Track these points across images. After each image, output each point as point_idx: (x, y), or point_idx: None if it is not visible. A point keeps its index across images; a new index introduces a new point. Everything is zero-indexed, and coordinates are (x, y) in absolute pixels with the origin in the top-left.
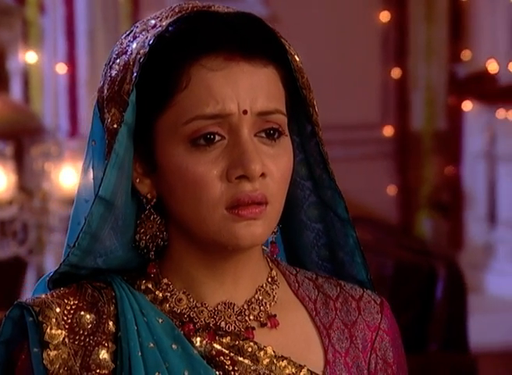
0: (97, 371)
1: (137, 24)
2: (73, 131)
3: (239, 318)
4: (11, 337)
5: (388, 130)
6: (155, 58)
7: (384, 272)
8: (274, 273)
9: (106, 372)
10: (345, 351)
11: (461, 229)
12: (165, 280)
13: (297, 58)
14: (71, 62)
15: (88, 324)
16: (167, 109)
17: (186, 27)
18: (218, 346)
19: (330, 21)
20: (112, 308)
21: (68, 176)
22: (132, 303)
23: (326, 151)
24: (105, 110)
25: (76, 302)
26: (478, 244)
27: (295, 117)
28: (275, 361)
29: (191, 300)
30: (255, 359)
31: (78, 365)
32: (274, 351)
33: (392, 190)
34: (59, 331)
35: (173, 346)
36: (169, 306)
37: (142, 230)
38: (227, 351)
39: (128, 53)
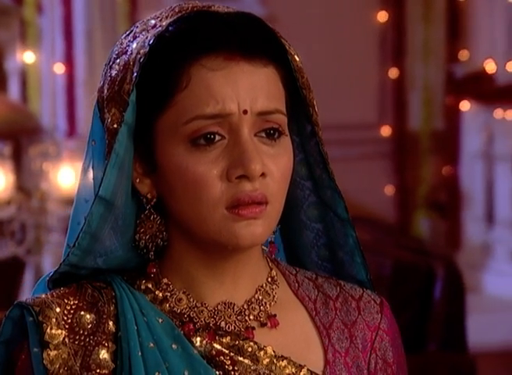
0: (98, 371)
1: (137, 24)
2: (71, 131)
3: (239, 318)
4: (11, 337)
5: (385, 130)
6: (155, 58)
7: (382, 272)
8: (274, 272)
9: (106, 372)
10: (345, 351)
11: (459, 229)
12: (165, 280)
13: (297, 58)
14: (69, 62)
15: (88, 324)
16: (167, 109)
17: (186, 27)
18: (218, 346)
19: (328, 21)
20: (112, 308)
21: (66, 176)
22: (132, 303)
23: (326, 151)
24: (105, 110)
25: (76, 302)
26: (475, 244)
27: (295, 117)
28: (275, 361)
29: (191, 300)
30: (255, 359)
31: (78, 365)
32: (274, 351)
33: (389, 190)
34: (59, 331)
35: (173, 346)
36: (169, 306)
37: (142, 230)
38: (227, 351)
39: (128, 53)
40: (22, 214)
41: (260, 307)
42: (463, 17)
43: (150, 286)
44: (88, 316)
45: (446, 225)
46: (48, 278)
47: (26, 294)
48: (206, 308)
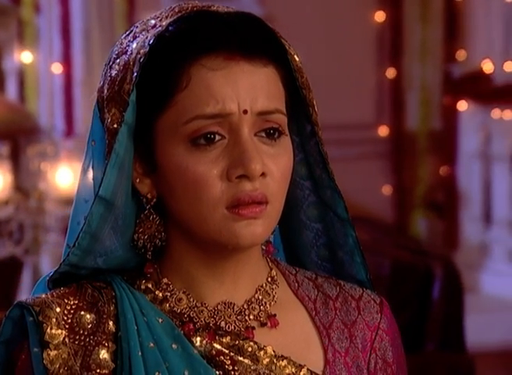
0: (98, 371)
1: (137, 24)
2: (69, 131)
3: (239, 318)
4: (11, 337)
5: (383, 130)
6: (155, 58)
7: (381, 272)
8: (274, 272)
9: (106, 371)
10: (345, 351)
11: (456, 229)
12: (165, 280)
13: (297, 58)
14: (66, 61)
15: (88, 324)
16: (167, 109)
17: (186, 27)
18: (218, 346)
19: (325, 21)
20: (112, 308)
21: (64, 176)
22: (132, 303)
23: (326, 150)
24: (105, 110)
25: (76, 302)
26: (473, 243)
27: (295, 117)
28: (275, 360)
29: (191, 300)
30: (255, 359)
31: (78, 365)
32: (274, 351)
33: (387, 190)
34: (59, 331)
35: (173, 346)
36: (169, 306)
37: (141, 230)
38: (227, 351)
39: (128, 53)
40: (20, 214)
41: (260, 307)
42: (460, 17)
43: (150, 286)
44: (88, 316)
45: (443, 225)
46: (47, 278)
47: (24, 294)
48: (206, 308)
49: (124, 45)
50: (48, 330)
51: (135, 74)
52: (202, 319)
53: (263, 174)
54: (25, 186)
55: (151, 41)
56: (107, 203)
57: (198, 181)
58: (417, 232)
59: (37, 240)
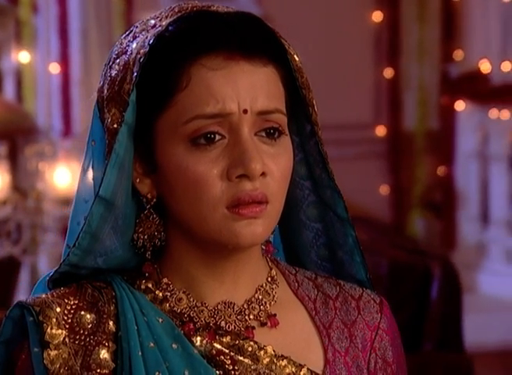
0: (98, 371)
1: (137, 24)
2: (66, 131)
3: (239, 317)
4: (11, 337)
5: (380, 130)
6: (155, 57)
7: (379, 271)
8: (274, 272)
9: (107, 371)
10: (345, 351)
11: (454, 229)
12: (165, 280)
13: (297, 58)
14: (64, 61)
15: (88, 324)
16: (167, 109)
17: (186, 27)
18: (218, 345)
19: (323, 21)
20: (112, 308)
21: (62, 176)
22: (132, 303)
23: (325, 150)
24: (105, 110)
25: (77, 302)
26: (470, 243)
27: (294, 117)
28: (275, 360)
29: (191, 299)
30: (255, 359)
31: (78, 364)
32: (274, 351)
33: (384, 189)
34: (60, 331)
35: (173, 345)
36: (169, 306)
37: (140, 230)
38: (227, 351)
39: (128, 53)
40: (18, 214)
41: (260, 307)
42: (457, 17)
43: (150, 286)
44: (88, 316)
45: (441, 225)
46: (48, 278)
47: (21, 293)
48: (206, 307)
49: (124, 45)
50: (49, 329)
51: (135, 74)
52: (202, 319)
53: (263, 174)
54: (23, 186)
55: (151, 41)
56: (107, 203)
57: (198, 181)
58: (414, 232)
59: (34, 240)
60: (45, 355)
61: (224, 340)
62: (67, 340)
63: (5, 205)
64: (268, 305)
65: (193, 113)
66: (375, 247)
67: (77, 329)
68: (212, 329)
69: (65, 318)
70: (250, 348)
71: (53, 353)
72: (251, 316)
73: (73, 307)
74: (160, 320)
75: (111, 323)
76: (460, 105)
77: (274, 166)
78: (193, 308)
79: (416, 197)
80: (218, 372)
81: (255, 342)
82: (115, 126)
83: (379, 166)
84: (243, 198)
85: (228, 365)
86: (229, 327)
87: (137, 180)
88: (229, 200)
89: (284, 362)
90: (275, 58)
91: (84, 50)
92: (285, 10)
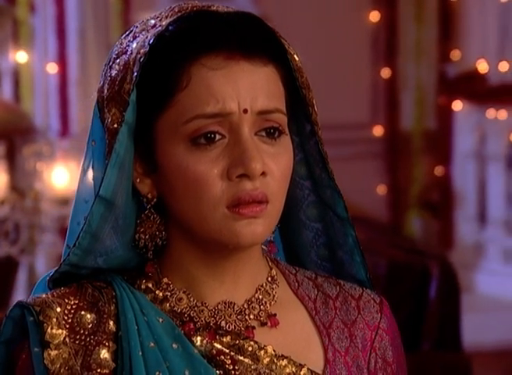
0: (98, 370)
1: (137, 24)
2: (64, 131)
3: (239, 317)
4: (11, 337)
5: (378, 130)
6: (155, 57)
7: (377, 271)
8: (274, 272)
9: (107, 371)
10: (345, 351)
11: (451, 229)
12: (166, 280)
13: (297, 58)
14: (61, 61)
15: (89, 324)
16: (167, 109)
17: (186, 27)
18: (218, 345)
19: (320, 21)
20: (112, 308)
21: (60, 176)
22: (132, 303)
23: (325, 150)
24: (105, 110)
25: (77, 302)
26: (468, 243)
27: (294, 117)
28: (275, 360)
29: (191, 299)
30: (255, 358)
31: (79, 364)
32: (274, 351)
33: (382, 189)
34: (60, 331)
35: (174, 345)
36: (170, 306)
37: (141, 230)
38: (227, 351)
39: (128, 53)
40: (16, 214)
41: (260, 306)
42: (455, 17)
43: (150, 285)
44: (89, 316)
45: (438, 225)
46: (48, 278)
47: (19, 293)
48: (206, 307)
49: (124, 45)
50: (49, 329)
51: (135, 74)
52: (202, 319)
53: (263, 173)
54: (21, 186)
55: (151, 41)
56: (107, 203)
57: (199, 181)
58: (411, 232)
59: (32, 240)
60: (45, 354)
61: (224, 340)
62: (67, 340)
63: (3, 204)
64: (268, 305)
65: (193, 113)
66: (373, 247)
67: (77, 329)
68: (212, 329)
69: (66, 318)
70: (250, 348)
71: (53, 353)
72: (251, 316)
73: (74, 307)
74: (160, 320)
75: (111, 322)
76: (457, 105)
77: (274, 165)
78: (194, 308)
79: (413, 197)
80: (218, 372)
81: (255, 342)
82: (116, 126)
83: (376, 166)
84: (244, 197)
85: (228, 365)
86: (229, 327)
87: (138, 180)
88: (229, 200)
89: (284, 362)
90: (275, 58)
91: (82, 50)
92: (282, 10)
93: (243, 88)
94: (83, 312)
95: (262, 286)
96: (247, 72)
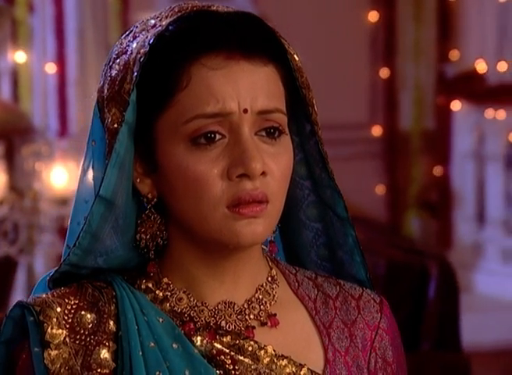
0: (98, 370)
1: (137, 24)
2: (63, 131)
3: (239, 317)
4: (12, 337)
5: (376, 130)
6: (156, 57)
7: (376, 271)
8: (274, 272)
9: (107, 371)
10: (345, 351)
11: (450, 228)
12: (166, 280)
13: (297, 58)
14: (60, 61)
15: (89, 324)
16: (167, 109)
17: (186, 26)
18: (218, 345)
19: (319, 21)
20: (112, 308)
21: (59, 176)
22: (132, 302)
23: (325, 150)
24: (105, 110)
25: (77, 302)
26: (466, 243)
27: (294, 117)
28: (275, 360)
29: (191, 299)
30: (255, 358)
31: (79, 364)
32: (274, 351)
33: (380, 189)
34: (60, 331)
35: (174, 345)
36: (170, 305)
37: (142, 230)
38: (227, 351)
39: (128, 53)
40: (14, 214)
41: (260, 306)
42: (453, 17)
43: (150, 285)
44: (89, 316)
45: (437, 225)
46: (48, 278)
47: (18, 293)
48: (206, 307)
49: (124, 45)
50: (49, 329)
51: (135, 74)
52: (202, 319)
53: (263, 173)
54: (20, 186)
55: (151, 41)
56: (107, 203)
57: (199, 180)
58: (410, 232)
59: (31, 240)
60: (46, 354)
61: (224, 339)
62: (67, 340)
63: (1, 204)
64: (268, 305)
65: (193, 113)
66: (371, 247)
67: (78, 329)
68: (213, 329)
69: (66, 318)
70: (250, 348)
71: (53, 353)
72: (251, 316)
73: (74, 307)
74: (160, 320)
75: (111, 322)
76: (456, 105)
77: (274, 165)
78: (194, 307)
79: (412, 197)
80: (218, 371)
81: (255, 342)
82: (116, 125)
83: (375, 166)
84: (244, 197)
85: (228, 364)
86: (229, 327)
87: (138, 180)
88: (229, 199)
89: (284, 362)
90: (275, 58)
91: (80, 50)
92: (281, 10)
93: (243, 88)
94: (83, 312)
95: (262, 286)
96: (247, 72)
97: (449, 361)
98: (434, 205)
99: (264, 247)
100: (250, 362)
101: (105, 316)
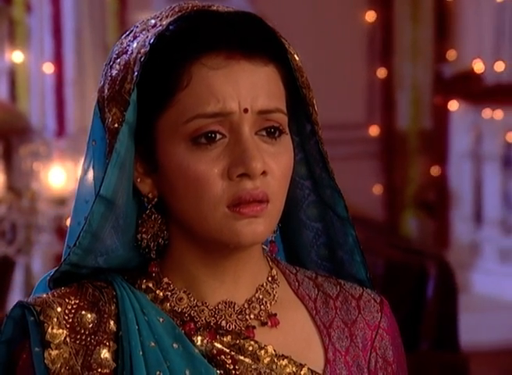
0: (99, 370)
1: (137, 24)
2: (60, 131)
3: (239, 317)
4: (12, 337)
5: (374, 130)
6: (156, 57)
7: (375, 271)
8: (274, 272)
9: (107, 371)
10: (345, 350)
11: (447, 228)
12: (166, 279)
13: (297, 58)
14: (58, 61)
15: (89, 323)
16: (168, 108)
17: (186, 26)
18: (218, 345)
19: (316, 21)
20: (112, 308)
21: (56, 176)
22: (133, 302)
23: (326, 150)
24: (106, 110)
25: (77, 302)
26: (464, 243)
27: (295, 116)
28: (275, 360)
29: (192, 299)
30: (256, 358)
31: (79, 364)
32: (274, 350)
33: (378, 189)
34: (60, 331)
35: (174, 345)
36: (170, 305)
37: (143, 230)
38: (228, 350)
39: (128, 53)
40: (12, 214)
41: (260, 306)
42: (451, 17)
43: (150, 285)
44: (89, 316)
45: (434, 224)
46: (48, 277)
47: (15, 293)
48: (207, 307)
49: (124, 45)
50: (49, 329)
51: (136, 73)
52: (203, 319)
53: (264, 173)
54: (17, 186)
55: (152, 41)
56: (108, 202)
57: (199, 180)
58: (407, 232)
59: (29, 240)
60: (46, 354)
61: (225, 339)
62: (68, 339)
63: None
64: (268, 305)
65: (193, 112)
66: (370, 246)
67: (78, 328)
68: (213, 328)
69: (66, 318)
70: (250, 348)
71: (54, 353)
72: (252, 316)
73: (74, 307)
74: (161, 320)
75: (112, 322)
76: (453, 105)
77: (274, 164)
78: (194, 307)
79: (409, 196)
80: (218, 371)
81: (256, 342)
82: (116, 125)
83: (372, 166)
84: (244, 197)
85: (228, 364)
86: (229, 327)
87: (138, 180)
88: (229, 199)
89: (285, 362)
90: (275, 58)
91: (78, 50)
92: (278, 10)
93: (244, 88)
94: (83, 312)
95: (263, 285)
96: (247, 71)
97: (447, 361)
98: (431, 205)
99: (265, 247)
100: (250, 361)
101: (106, 315)
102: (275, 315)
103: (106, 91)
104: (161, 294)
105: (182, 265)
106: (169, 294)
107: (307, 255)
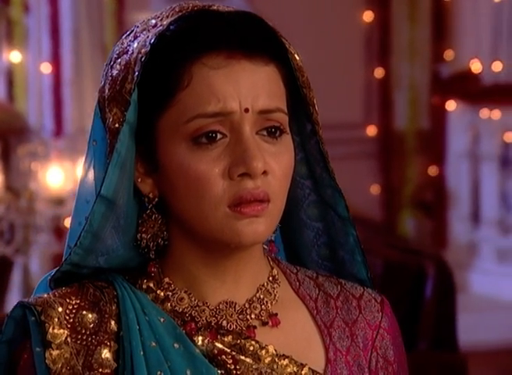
0: (100, 370)
1: (138, 24)
2: (58, 131)
3: (240, 317)
4: (13, 337)
5: (371, 130)
6: (157, 57)
7: (373, 271)
8: (275, 271)
9: (108, 371)
10: (346, 350)
11: (445, 228)
12: (167, 279)
13: (297, 57)
14: (55, 61)
15: (90, 323)
16: (169, 108)
17: (187, 26)
18: (219, 345)
19: (313, 20)
20: (113, 308)
21: (54, 176)
22: (134, 302)
23: (326, 149)
24: (107, 110)
25: (78, 302)
26: (461, 243)
27: (295, 116)
28: (276, 359)
29: (193, 299)
30: (257, 358)
31: (80, 364)
32: (275, 350)
33: (375, 189)
34: (61, 331)
35: (175, 345)
36: (171, 305)
37: (143, 230)
38: (229, 350)
39: (129, 52)
40: (10, 214)
41: (261, 306)
42: (448, 17)
43: (151, 285)
44: (90, 316)
45: (431, 224)
46: (49, 278)
47: (13, 293)
48: (208, 307)
49: (125, 45)
50: (50, 329)
51: (136, 73)
52: (204, 319)
53: (265, 172)
54: (15, 186)
55: (152, 40)
56: (108, 202)
57: (200, 180)
58: (405, 232)
59: (27, 240)
60: (47, 354)
61: (225, 339)
62: (69, 339)
63: None
64: (269, 305)
65: (194, 112)
66: (368, 246)
67: (79, 328)
68: (214, 328)
69: (67, 318)
70: (251, 348)
71: (55, 353)
72: (253, 316)
73: (75, 307)
74: (162, 320)
75: (112, 322)
76: (450, 105)
77: (275, 164)
78: (195, 307)
79: (407, 196)
80: (219, 371)
81: (257, 341)
82: (117, 125)
83: (370, 166)
84: (245, 196)
85: (229, 364)
86: (230, 327)
87: (139, 180)
88: (230, 199)
89: (285, 362)
90: (276, 58)
91: (76, 50)
92: (276, 9)
93: (245, 87)
94: (84, 312)
95: (263, 285)
96: (248, 71)
97: (445, 360)
98: (429, 205)
99: (265, 246)
100: (251, 361)
101: (107, 315)
102: (276, 315)
103: (107, 91)
104: (162, 294)
105: (182, 265)
106: (170, 294)
107: (308, 254)
